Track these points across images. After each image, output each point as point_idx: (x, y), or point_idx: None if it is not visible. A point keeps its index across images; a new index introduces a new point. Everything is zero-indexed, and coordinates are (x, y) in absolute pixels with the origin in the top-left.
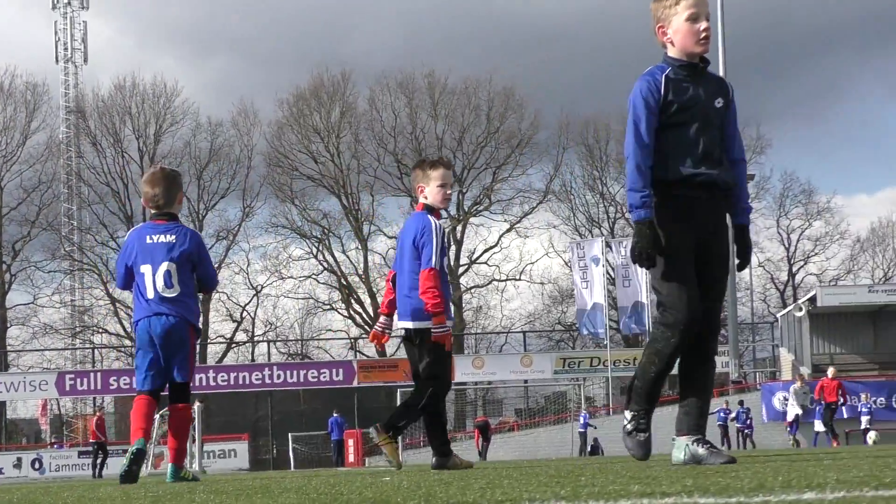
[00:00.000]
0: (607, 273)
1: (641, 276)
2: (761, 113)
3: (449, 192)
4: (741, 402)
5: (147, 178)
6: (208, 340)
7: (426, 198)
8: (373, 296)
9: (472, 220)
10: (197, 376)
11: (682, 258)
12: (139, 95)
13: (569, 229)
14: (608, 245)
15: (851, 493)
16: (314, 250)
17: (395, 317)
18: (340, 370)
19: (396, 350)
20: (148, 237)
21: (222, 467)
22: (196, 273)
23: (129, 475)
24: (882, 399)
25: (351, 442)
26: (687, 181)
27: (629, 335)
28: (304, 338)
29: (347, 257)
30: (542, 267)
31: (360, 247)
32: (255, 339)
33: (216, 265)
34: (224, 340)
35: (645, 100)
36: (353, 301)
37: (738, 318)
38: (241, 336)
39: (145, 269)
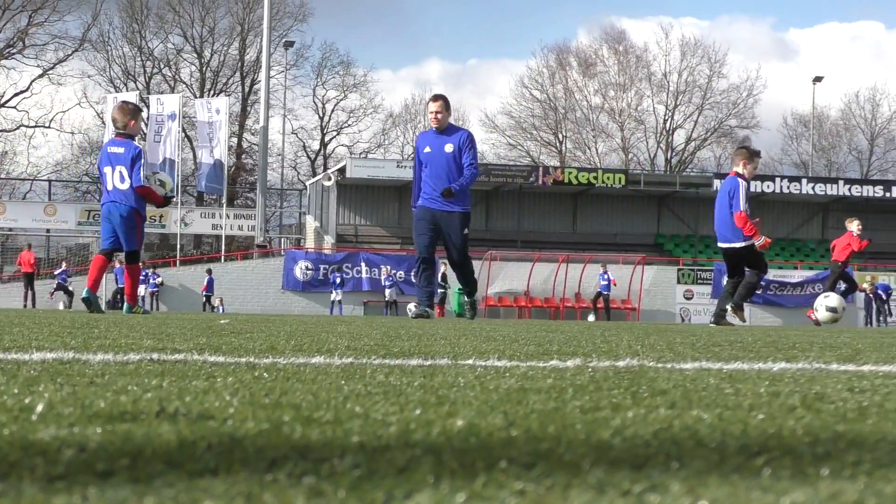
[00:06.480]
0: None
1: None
2: None
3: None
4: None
5: (116, 107)
6: None
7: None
8: None
9: (3, 62)
10: None
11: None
12: None
13: (104, 80)
14: (143, 101)
15: (359, 360)
16: None
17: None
18: None
19: None
20: (110, 148)
21: None
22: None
23: (91, 310)
24: (401, 273)
25: None
26: None
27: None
28: None
29: None
30: (73, 116)
31: None
32: None
33: None
34: None
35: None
36: None
37: (268, 184)
38: None
39: (107, 170)
